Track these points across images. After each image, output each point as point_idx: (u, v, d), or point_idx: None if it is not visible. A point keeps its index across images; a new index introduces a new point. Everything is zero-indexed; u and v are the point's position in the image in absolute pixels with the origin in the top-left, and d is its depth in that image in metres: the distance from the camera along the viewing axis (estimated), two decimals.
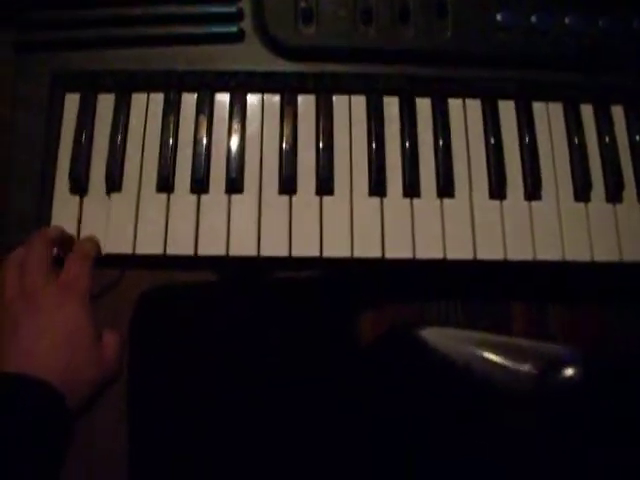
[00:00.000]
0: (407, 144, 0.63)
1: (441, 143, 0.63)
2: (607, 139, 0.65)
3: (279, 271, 0.61)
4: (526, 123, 0.65)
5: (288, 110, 0.64)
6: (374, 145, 0.63)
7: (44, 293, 0.52)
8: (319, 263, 0.60)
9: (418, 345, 0.57)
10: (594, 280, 0.65)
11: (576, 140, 0.65)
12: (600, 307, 0.65)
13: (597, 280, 0.65)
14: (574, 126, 0.65)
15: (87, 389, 0.51)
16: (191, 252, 0.60)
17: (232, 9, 0.65)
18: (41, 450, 0.45)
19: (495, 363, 0.52)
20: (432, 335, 0.57)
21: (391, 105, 0.65)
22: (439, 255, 0.60)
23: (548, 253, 0.62)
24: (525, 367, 0.49)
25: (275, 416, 0.61)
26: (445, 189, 0.62)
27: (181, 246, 0.60)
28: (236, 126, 0.64)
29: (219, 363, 0.62)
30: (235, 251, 0.60)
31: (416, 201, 0.62)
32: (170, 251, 0.60)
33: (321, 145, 0.63)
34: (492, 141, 0.64)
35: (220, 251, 0.60)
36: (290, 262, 0.60)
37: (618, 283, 0.65)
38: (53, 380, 0.47)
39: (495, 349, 0.52)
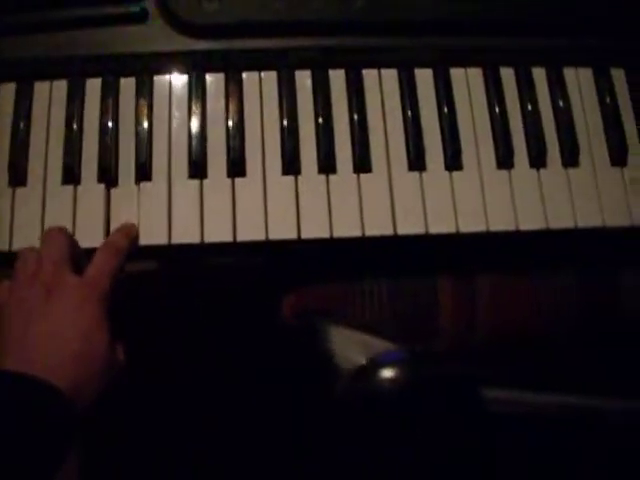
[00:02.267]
0: (320, 119, 0.61)
1: (356, 117, 0.61)
2: (529, 103, 0.63)
3: (193, 258, 0.59)
4: (444, 91, 0.63)
5: (196, 90, 0.61)
6: (286, 122, 0.61)
7: (63, 288, 0.48)
8: (234, 248, 0.58)
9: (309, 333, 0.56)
10: (522, 250, 0.63)
11: (496, 106, 0.63)
12: (529, 278, 0.63)
13: (525, 250, 0.63)
14: (494, 91, 0.63)
15: (96, 395, 0.47)
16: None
17: None
18: (40, 456, 0.41)
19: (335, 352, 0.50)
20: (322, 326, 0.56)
21: (304, 79, 0.62)
22: (357, 233, 0.59)
23: (471, 224, 0.60)
24: (350, 361, 0.48)
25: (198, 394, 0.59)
26: (362, 163, 0.60)
27: (90, 239, 0.58)
28: (143, 110, 0.61)
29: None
30: (146, 241, 0.58)
31: (332, 177, 0.60)
32: (81, 244, 0.58)
33: (231, 125, 0.60)
34: (409, 112, 0.62)
35: None
36: (204, 248, 0.58)
37: (546, 251, 0.63)
38: (63, 384, 0.43)
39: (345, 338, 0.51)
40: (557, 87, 0.64)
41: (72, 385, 0.44)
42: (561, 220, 0.61)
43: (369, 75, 0.63)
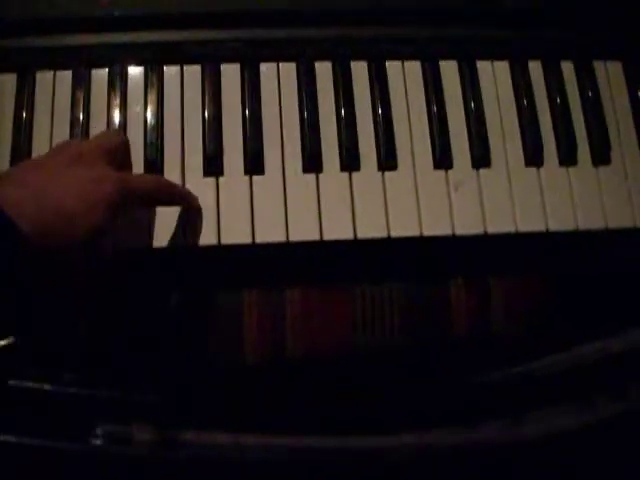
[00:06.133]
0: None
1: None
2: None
3: None
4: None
5: None
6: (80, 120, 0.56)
7: (89, 164, 0.46)
8: None
9: None
10: (337, 260, 0.57)
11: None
12: (346, 289, 0.58)
13: (340, 260, 0.58)
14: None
15: (66, 264, 0.45)
16: None
17: None
18: None
19: None
20: None
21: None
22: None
23: (269, 234, 0.55)
24: None
25: None
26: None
27: None
28: None
29: None
30: None
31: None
32: None
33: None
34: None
35: None
36: None
37: (363, 262, 0.58)
38: (29, 228, 0.40)
39: None
40: (378, 82, 0.59)
41: (39, 233, 0.41)
42: (372, 230, 0.55)
43: (170, 72, 0.59)
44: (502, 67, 0.60)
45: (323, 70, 0.59)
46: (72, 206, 0.43)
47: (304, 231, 0.55)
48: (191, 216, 0.55)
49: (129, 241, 0.54)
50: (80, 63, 0.58)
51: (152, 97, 0.58)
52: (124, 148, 0.52)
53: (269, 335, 0.57)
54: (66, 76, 0.58)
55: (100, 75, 0.58)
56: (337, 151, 0.57)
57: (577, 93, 0.60)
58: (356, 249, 0.56)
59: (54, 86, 0.58)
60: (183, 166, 0.56)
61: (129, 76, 0.58)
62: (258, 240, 0.54)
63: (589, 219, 0.57)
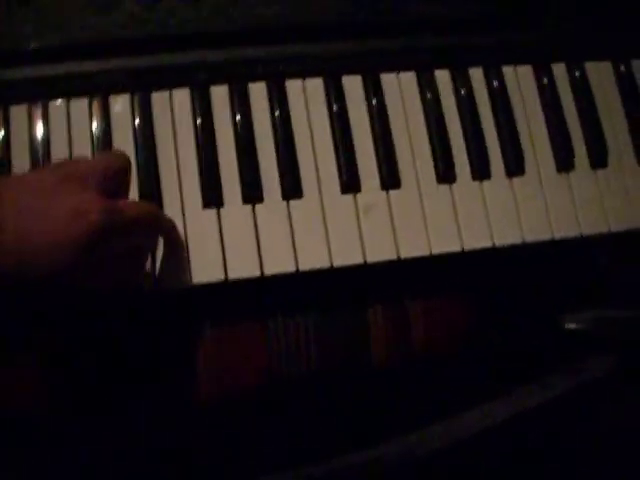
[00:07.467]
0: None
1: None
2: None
3: None
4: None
5: None
6: None
7: (83, 186, 0.43)
8: None
9: None
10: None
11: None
12: (259, 323, 0.56)
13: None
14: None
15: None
16: None
17: None
18: None
19: None
20: None
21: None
22: None
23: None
24: None
25: None
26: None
27: None
28: None
29: None
30: None
31: None
32: None
33: None
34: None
35: None
36: None
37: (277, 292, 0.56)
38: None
39: None
40: (278, 103, 0.55)
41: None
42: (279, 264, 0.53)
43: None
44: (408, 78, 0.57)
45: (219, 94, 0.55)
46: (41, 241, 0.40)
47: (207, 271, 0.52)
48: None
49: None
50: None
51: (36, 131, 0.54)
52: (125, 172, 0.48)
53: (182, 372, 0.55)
54: None
55: None
56: (238, 182, 0.54)
57: (488, 101, 0.57)
58: (266, 283, 0.54)
59: None
60: None
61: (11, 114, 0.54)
62: (162, 284, 0.52)
63: (505, 234, 0.55)
